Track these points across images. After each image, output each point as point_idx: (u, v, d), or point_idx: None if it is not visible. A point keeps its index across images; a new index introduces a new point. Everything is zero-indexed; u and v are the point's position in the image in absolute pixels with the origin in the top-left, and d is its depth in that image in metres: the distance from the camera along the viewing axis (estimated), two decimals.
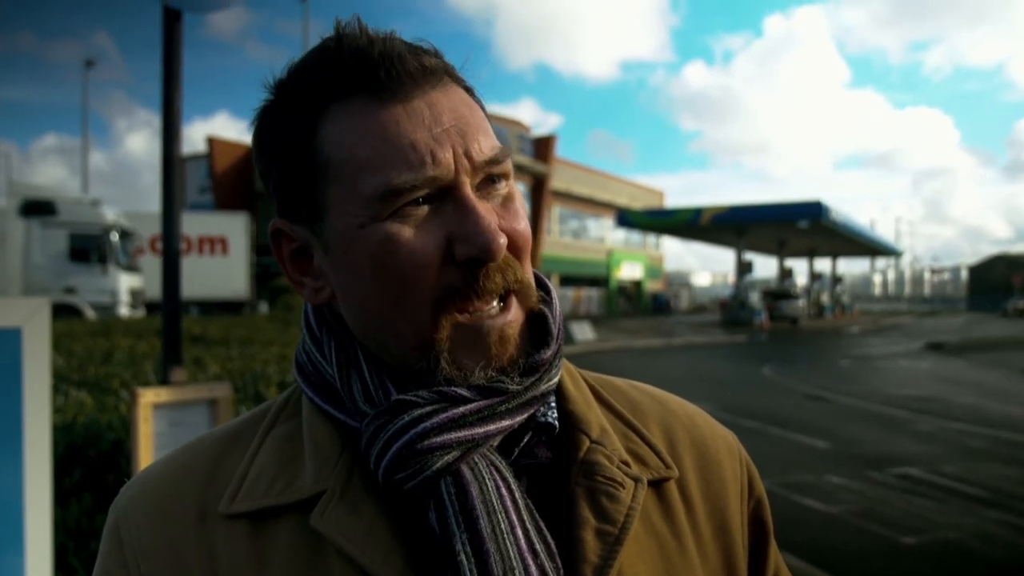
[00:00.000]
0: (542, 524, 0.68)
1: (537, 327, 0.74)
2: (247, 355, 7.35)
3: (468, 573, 0.63)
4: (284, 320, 13.10)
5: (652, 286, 58.86)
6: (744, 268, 39.94)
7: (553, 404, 0.77)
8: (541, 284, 0.78)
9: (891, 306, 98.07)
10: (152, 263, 20.72)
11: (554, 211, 45.33)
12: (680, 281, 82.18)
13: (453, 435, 0.66)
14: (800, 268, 53.95)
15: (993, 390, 14.46)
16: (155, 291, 18.76)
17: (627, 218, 41.34)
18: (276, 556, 0.67)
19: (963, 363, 20.28)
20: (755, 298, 41.06)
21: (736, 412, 10.75)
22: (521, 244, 0.72)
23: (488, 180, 0.70)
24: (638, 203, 51.52)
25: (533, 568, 0.65)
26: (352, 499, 0.68)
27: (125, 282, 18.76)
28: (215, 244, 24.89)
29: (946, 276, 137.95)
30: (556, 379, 0.75)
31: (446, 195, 0.67)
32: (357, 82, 0.67)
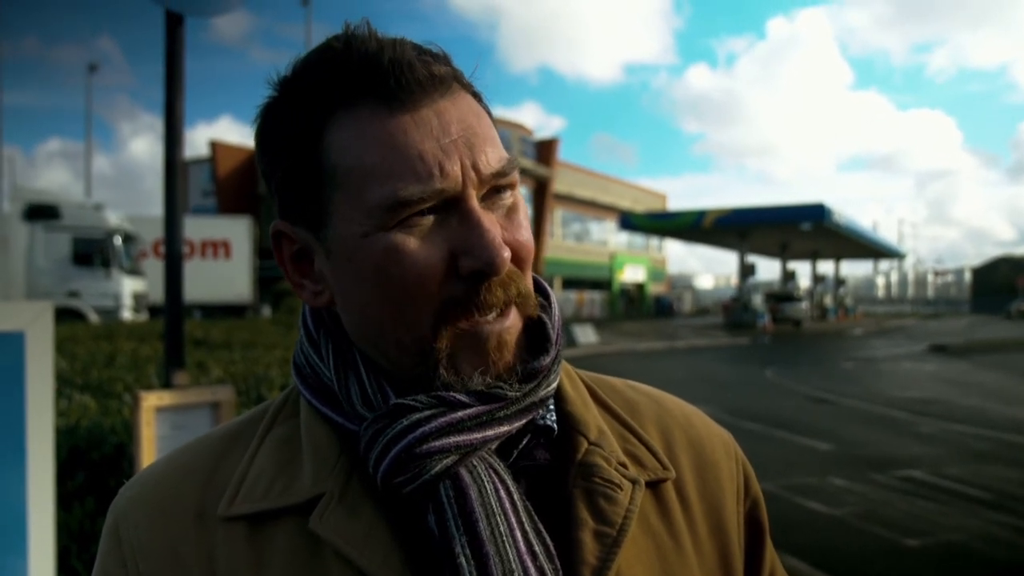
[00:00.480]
0: (541, 526, 0.68)
1: (536, 334, 0.74)
2: (250, 359, 7.35)
3: (468, 575, 0.63)
4: (287, 324, 13.09)
5: (655, 289, 58.86)
6: (747, 271, 39.93)
7: (551, 406, 0.77)
8: (540, 290, 0.78)
9: (894, 308, 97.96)
10: (155, 267, 20.70)
11: (556, 214, 45.35)
12: (683, 284, 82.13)
13: (452, 439, 0.67)
14: (803, 270, 54.01)
15: (997, 392, 14.43)
16: (158, 295, 18.78)
17: (630, 221, 41.36)
18: (275, 559, 0.67)
19: (967, 365, 20.24)
20: (758, 301, 41.06)
21: (739, 414, 10.74)
22: (524, 255, 0.72)
23: (494, 190, 0.70)
24: (641, 206, 51.54)
25: (532, 570, 0.65)
26: (351, 502, 0.68)
27: (128, 286, 18.77)
28: (218, 248, 24.91)
29: (949, 278, 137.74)
30: (555, 385, 0.75)
31: (452, 207, 0.67)
32: (366, 89, 0.66)
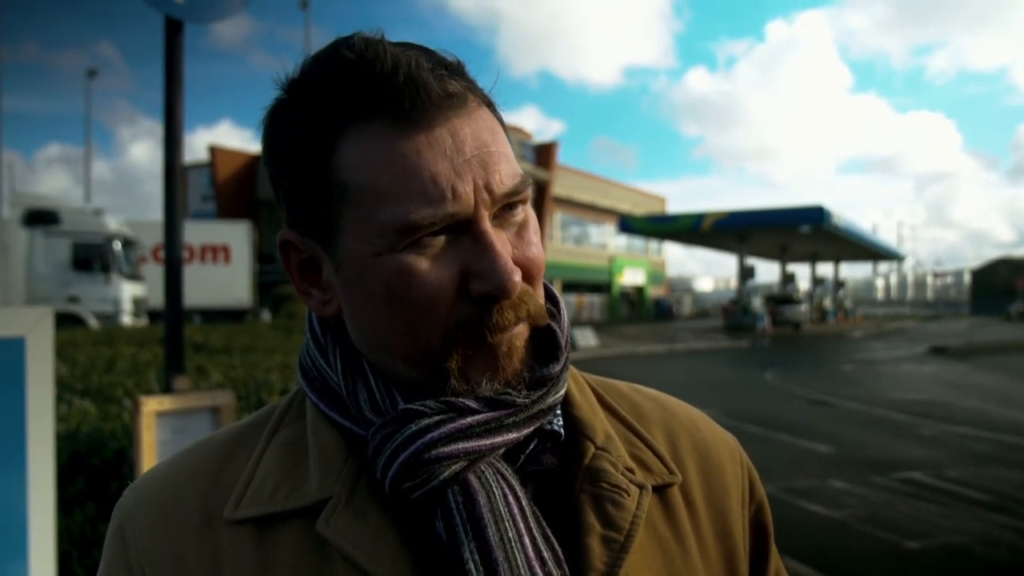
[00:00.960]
0: (549, 531, 0.69)
1: (545, 341, 0.74)
2: (249, 363, 7.35)
3: None
4: (287, 328, 13.09)
5: (654, 292, 58.87)
6: (746, 273, 39.94)
7: (559, 411, 0.77)
8: (550, 296, 0.78)
9: (894, 310, 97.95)
10: (155, 272, 20.72)
11: (556, 217, 45.38)
12: (683, 287, 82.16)
13: (460, 446, 0.66)
14: (802, 273, 54.03)
15: (997, 394, 14.43)
16: (158, 300, 18.78)
17: (629, 224, 41.39)
18: (281, 562, 0.67)
19: (966, 367, 20.24)
20: (758, 303, 41.06)
21: (739, 417, 10.74)
22: (534, 272, 0.72)
23: (506, 207, 0.70)
24: (640, 209, 51.58)
25: (540, 575, 0.65)
26: (358, 506, 0.68)
27: (128, 291, 18.76)
28: (217, 252, 24.90)
29: (949, 280, 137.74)
30: (563, 392, 0.75)
31: (464, 228, 0.67)
32: (379, 107, 0.65)
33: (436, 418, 0.67)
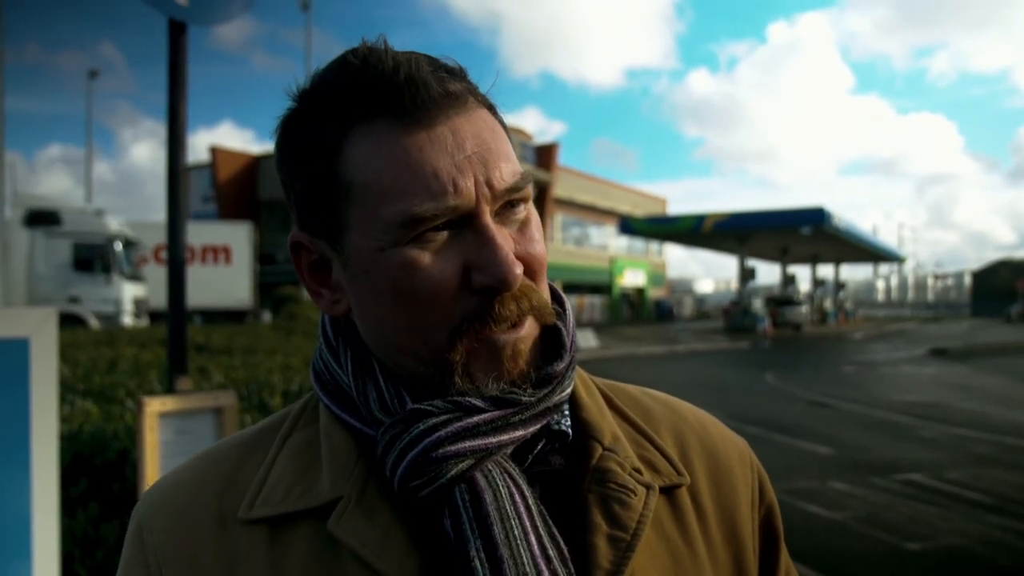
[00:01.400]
0: (555, 530, 0.69)
1: (551, 340, 0.75)
2: (251, 364, 7.36)
3: None
4: (287, 329, 13.10)
5: (655, 293, 58.85)
6: (747, 275, 39.93)
7: (566, 412, 0.78)
8: (556, 297, 0.79)
9: (894, 312, 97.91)
10: (155, 272, 20.74)
11: (556, 219, 45.37)
12: (683, 288, 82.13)
13: (467, 444, 0.68)
14: (803, 274, 54.00)
15: (997, 396, 14.43)
16: (159, 300, 18.81)
17: (630, 225, 41.38)
18: (294, 561, 0.69)
19: (967, 369, 20.24)
20: (758, 305, 41.05)
21: (740, 419, 10.74)
22: (537, 268, 0.73)
23: (508, 204, 0.71)
24: (640, 210, 51.57)
25: (546, 574, 0.66)
26: (368, 505, 0.69)
27: (129, 292, 18.77)
28: (218, 253, 24.92)
29: (949, 282, 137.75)
30: (569, 390, 0.76)
31: (466, 222, 0.68)
32: (382, 106, 0.68)
33: (443, 417, 0.68)
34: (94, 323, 17.27)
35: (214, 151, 39.18)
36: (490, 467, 0.69)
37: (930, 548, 5.57)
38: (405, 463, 0.68)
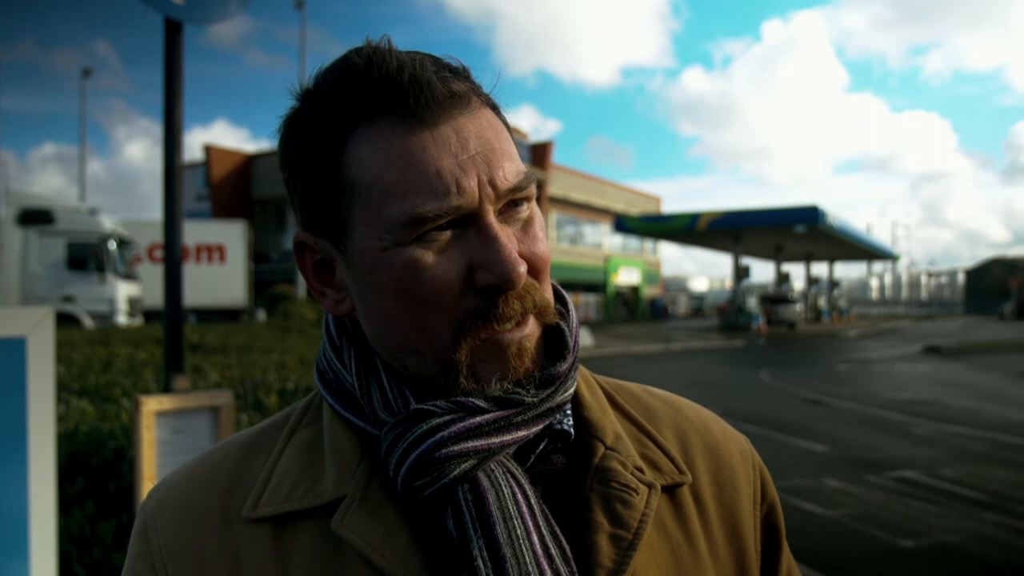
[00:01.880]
0: (557, 529, 0.70)
1: (554, 340, 0.75)
2: (246, 363, 7.36)
3: None
4: (282, 328, 13.07)
5: (649, 292, 58.89)
6: (741, 273, 39.98)
7: (569, 411, 0.78)
8: (559, 297, 0.79)
9: (888, 310, 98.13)
10: (150, 271, 20.72)
11: (551, 217, 45.37)
12: (678, 286, 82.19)
13: (470, 444, 0.68)
14: (797, 272, 54.23)
15: (991, 393, 14.47)
16: (153, 299, 18.78)
17: (624, 224, 41.38)
18: (298, 559, 0.69)
19: (961, 366, 20.30)
20: (753, 303, 41.11)
21: (734, 417, 10.76)
22: (540, 267, 0.73)
23: (511, 203, 0.71)
24: (635, 209, 51.60)
25: (548, 573, 0.66)
26: (371, 504, 0.70)
27: (123, 291, 18.72)
28: (213, 252, 24.86)
29: (943, 280, 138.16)
30: (572, 390, 0.76)
31: (469, 222, 0.69)
32: (386, 106, 0.68)
33: (446, 417, 0.68)
34: (88, 322, 17.22)
35: (208, 149, 39.05)
36: (493, 467, 0.70)
37: (924, 545, 5.59)
38: (408, 463, 0.68)
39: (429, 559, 0.68)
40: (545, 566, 0.66)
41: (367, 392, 0.73)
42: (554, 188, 44.12)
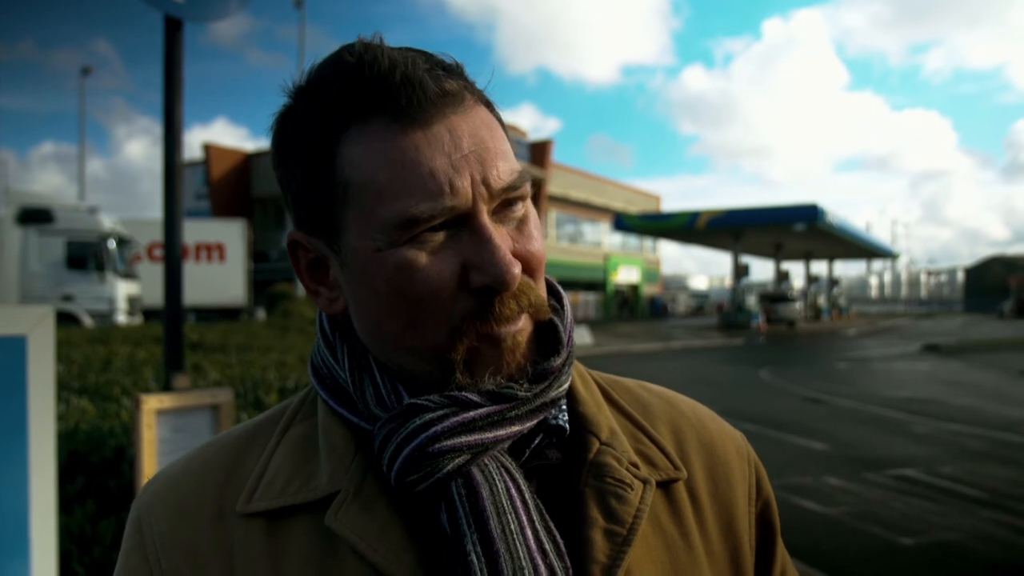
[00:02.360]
0: (551, 524, 0.70)
1: (548, 335, 0.75)
2: (246, 361, 7.36)
3: (478, 572, 0.65)
4: (282, 327, 13.08)
5: (649, 290, 58.90)
6: (741, 271, 39.99)
7: (563, 406, 0.78)
8: (554, 292, 0.79)
9: (888, 308, 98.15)
10: (149, 270, 20.71)
11: (550, 216, 45.37)
12: (677, 285, 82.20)
13: (463, 439, 0.68)
14: (797, 271, 54.24)
15: (990, 391, 14.48)
16: (152, 298, 18.78)
17: (624, 222, 41.38)
18: (291, 554, 0.69)
19: (960, 365, 20.30)
20: (752, 301, 41.13)
21: (734, 415, 10.76)
22: (535, 265, 0.73)
23: (505, 203, 0.71)
24: (634, 207, 51.59)
25: (542, 568, 0.66)
26: (365, 499, 0.70)
27: (122, 289, 18.72)
28: (212, 251, 24.85)
29: (943, 278, 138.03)
30: (566, 385, 0.76)
31: (463, 222, 0.68)
32: (378, 105, 0.67)
33: (440, 412, 0.68)
34: (88, 321, 17.22)
35: (207, 148, 39.04)
36: (487, 462, 0.69)
37: (924, 543, 5.60)
38: (402, 458, 0.68)
39: (423, 554, 0.68)
40: (539, 561, 0.66)
41: (360, 387, 0.73)
42: (553, 187, 44.11)
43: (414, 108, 0.67)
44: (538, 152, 43.88)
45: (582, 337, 25.44)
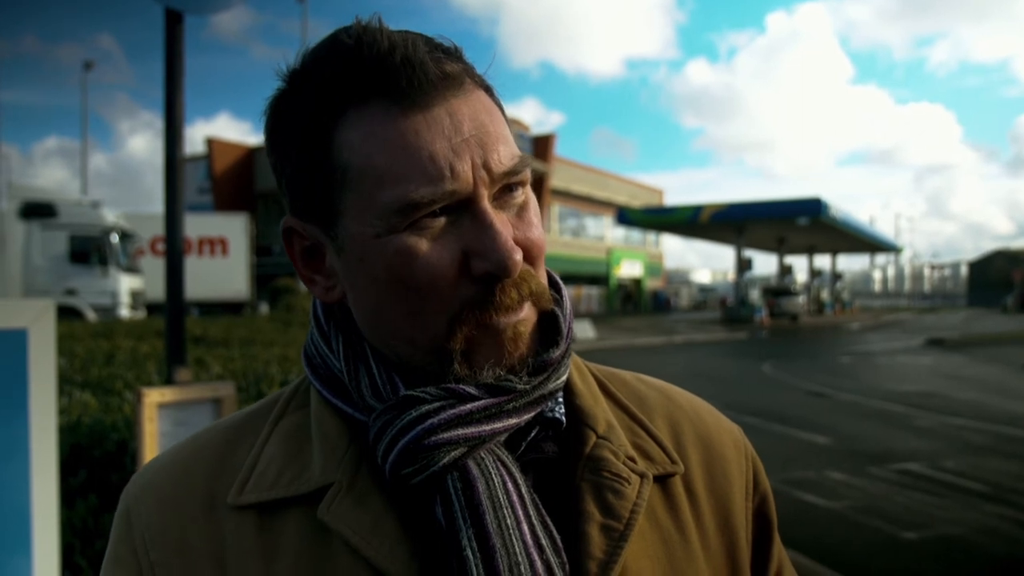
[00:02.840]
0: (548, 519, 0.69)
1: (547, 326, 0.74)
2: (248, 355, 7.36)
3: (474, 567, 0.64)
4: (285, 321, 13.10)
5: (652, 284, 58.87)
6: (744, 265, 39.96)
7: (560, 399, 0.77)
8: (553, 284, 0.78)
9: (891, 302, 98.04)
10: (152, 264, 20.73)
11: (553, 210, 45.34)
12: (680, 279, 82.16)
13: (460, 432, 0.67)
14: (800, 265, 54.05)
15: (993, 385, 14.46)
16: (155, 292, 18.81)
17: (626, 216, 41.35)
18: (284, 547, 0.68)
19: (963, 359, 20.28)
20: (755, 295, 41.11)
21: (737, 409, 10.76)
22: (536, 253, 0.72)
23: (505, 188, 0.70)
24: (637, 201, 51.54)
25: (538, 563, 0.65)
26: (359, 492, 0.69)
27: (125, 283, 18.75)
28: (215, 245, 24.88)
29: (946, 272, 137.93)
30: (564, 378, 0.75)
31: (464, 208, 0.67)
32: (377, 88, 0.66)
33: (436, 404, 0.67)
34: (91, 315, 17.25)
35: (210, 142, 39.07)
36: (483, 455, 0.68)
37: (927, 537, 5.59)
38: (397, 450, 0.67)
39: (417, 548, 0.67)
40: (535, 556, 0.66)
41: (355, 378, 0.72)
42: (556, 180, 44.06)
43: (415, 90, 0.66)
44: (541, 146, 43.82)
45: (585, 331, 25.44)
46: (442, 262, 0.66)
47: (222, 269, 24.57)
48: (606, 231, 52.17)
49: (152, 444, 2.80)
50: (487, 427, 0.68)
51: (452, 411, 0.67)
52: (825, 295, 54.03)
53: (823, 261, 58.25)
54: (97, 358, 7.07)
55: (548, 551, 0.67)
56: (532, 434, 0.74)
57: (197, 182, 38.57)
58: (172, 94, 3.27)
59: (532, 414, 0.71)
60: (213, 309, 22.01)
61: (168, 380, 3.32)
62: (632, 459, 0.75)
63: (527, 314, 0.71)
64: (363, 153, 0.66)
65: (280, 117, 0.71)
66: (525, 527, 0.67)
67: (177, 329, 3.35)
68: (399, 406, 0.68)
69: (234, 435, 0.77)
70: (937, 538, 5.58)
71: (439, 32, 0.71)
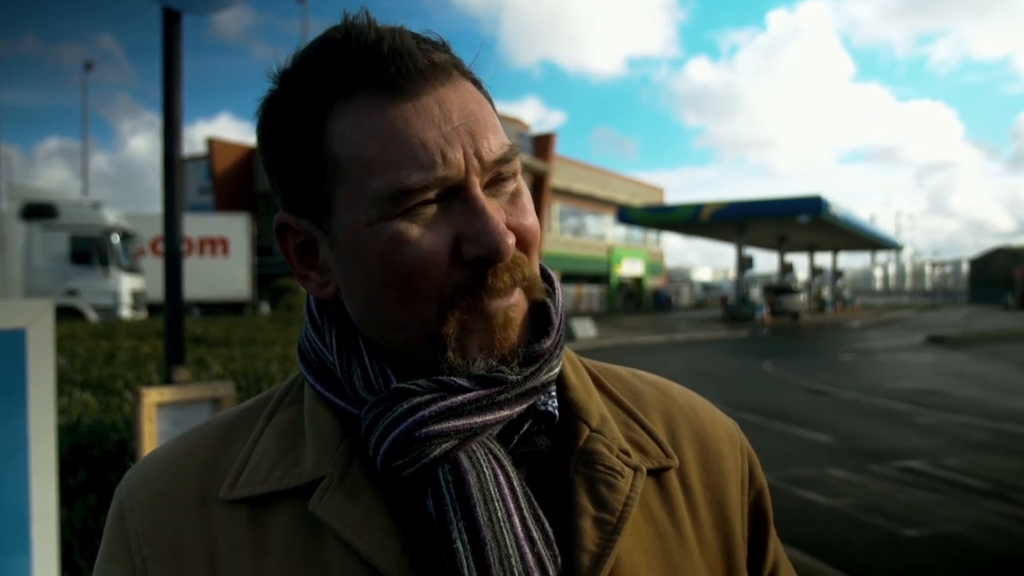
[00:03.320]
0: (540, 512, 0.69)
1: (539, 317, 0.74)
2: (249, 355, 7.36)
3: (464, 560, 0.64)
4: (286, 320, 13.10)
5: (653, 282, 58.86)
6: (745, 263, 39.96)
7: (553, 392, 0.77)
8: (545, 276, 0.78)
9: (892, 300, 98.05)
10: (153, 265, 20.73)
11: (554, 208, 45.32)
12: (681, 277, 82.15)
13: (451, 424, 0.67)
14: (801, 263, 54.07)
15: (995, 383, 14.46)
16: (156, 293, 18.82)
17: (627, 215, 41.36)
18: (275, 541, 0.68)
19: (964, 356, 20.28)
20: (756, 293, 41.11)
21: (738, 407, 10.76)
22: (529, 240, 0.72)
23: (497, 177, 0.70)
24: (638, 200, 51.52)
25: (530, 556, 0.65)
26: (350, 485, 0.69)
27: (126, 284, 18.76)
28: (216, 245, 24.89)
29: (947, 269, 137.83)
30: (557, 369, 0.75)
31: (455, 194, 0.67)
32: (366, 78, 0.67)
33: (427, 396, 0.67)
34: (92, 316, 17.25)
35: (211, 143, 39.09)
36: (474, 448, 0.68)
37: (928, 534, 5.59)
38: (388, 442, 0.67)
39: (408, 541, 0.67)
40: (526, 549, 0.65)
41: (348, 371, 0.72)
42: (557, 179, 44.04)
43: (403, 79, 0.66)
44: (541, 145, 43.80)
45: (586, 330, 25.45)
46: (434, 247, 0.67)
47: (223, 269, 24.58)
48: (607, 230, 52.15)
49: (151, 444, 2.80)
50: (478, 419, 0.68)
51: (443, 403, 0.67)
52: (826, 293, 54.03)
53: (824, 259, 58.28)
54: (98, 358, 7.07)
55: (540, 544, 0.66)
56: (525, 427, 0.74)
57: (198, 182, 38.60)
58: (170, 94, 3.27)
59: (524, 406, 0.71)
60: (214, 309, 22.01)
61: (167, 380, 3.32)
62: (626, 452, 0.75)
63: (518, 300, 0.71)
64: (354, 143, 0.67)
65: (271, 117, 0.72)
66: (516, 520, 0.66)
67: (176, 329, 3.35)
68: (390, 398, 0.68)
69: (228, 431, 0.77)
70: (938, 535, 5.58)
71: (439, 32, 0.72)
